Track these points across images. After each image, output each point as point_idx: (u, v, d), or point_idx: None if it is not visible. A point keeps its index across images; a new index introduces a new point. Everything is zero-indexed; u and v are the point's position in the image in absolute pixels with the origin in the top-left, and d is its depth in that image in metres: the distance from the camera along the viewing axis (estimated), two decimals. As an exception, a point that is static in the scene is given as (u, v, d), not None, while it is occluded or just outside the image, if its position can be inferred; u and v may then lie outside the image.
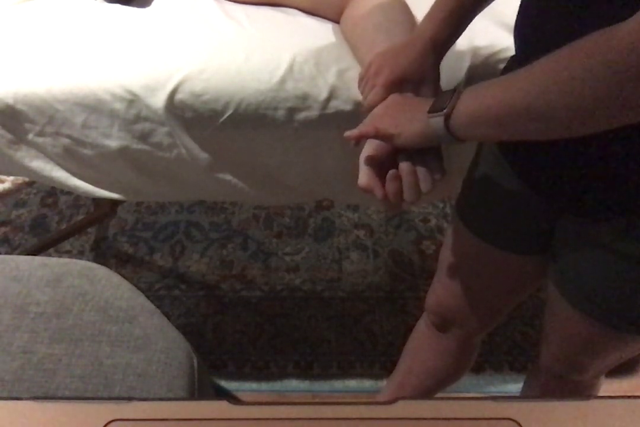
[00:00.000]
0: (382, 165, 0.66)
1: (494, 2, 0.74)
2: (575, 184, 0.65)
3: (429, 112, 0.61)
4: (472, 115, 0.58)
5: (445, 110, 0.59)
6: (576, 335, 0.78)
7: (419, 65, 0.73)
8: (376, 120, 0.68)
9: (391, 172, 0.63)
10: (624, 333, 0.73)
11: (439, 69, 0.75)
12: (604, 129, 0.50)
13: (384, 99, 0.71)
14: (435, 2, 0.73)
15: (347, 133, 0.67)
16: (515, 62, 0.68)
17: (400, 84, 0.72)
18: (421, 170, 0.64)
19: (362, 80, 0.77)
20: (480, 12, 0.74)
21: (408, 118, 0.64)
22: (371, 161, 0.67)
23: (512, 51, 0.84)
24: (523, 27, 0.65)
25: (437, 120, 0.60)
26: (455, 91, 0.60)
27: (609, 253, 0.66)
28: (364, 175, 0.66)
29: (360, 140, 0.69)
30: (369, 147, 0.68)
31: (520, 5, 0.65)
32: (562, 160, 0.65)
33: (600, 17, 0.50)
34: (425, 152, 0.65)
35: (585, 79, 0.46)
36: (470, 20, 0.74)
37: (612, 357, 0.81)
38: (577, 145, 0.59)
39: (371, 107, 0.72)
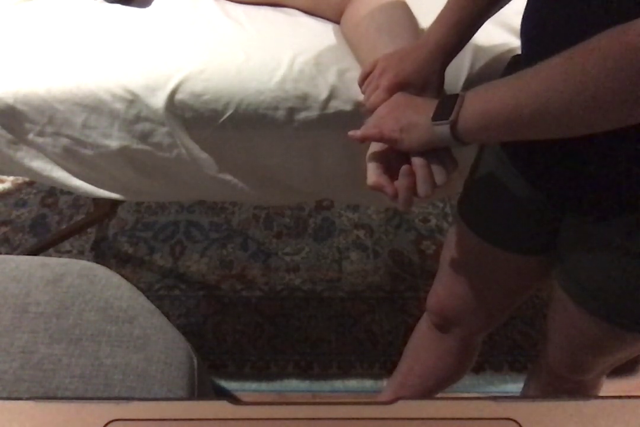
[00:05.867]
0: (389, 163, 0.66)
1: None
2: (580, 182, 0.65)
3: (434, 119, 0.60)
4: (480, 120, 0.57)
5: (450, 118, 0.58)
6: (581, 334, 0.78)
7: (423, 71, 0.72)
8: (379, 121, 0.67)
9: (404, 167, 0.63)
10: (629, 332, 0.73)
11: (444, 75, 0.75)
12: (618, 127, 0.49)
13: (385, 101, 0.71)
14: (443, 9, 0.73)
15: (351, 133, 0.67)
16: (520, 62, 0.68)
17: (403, 88, 0.72)
18: (434, 164, 0.63)
19: (364, 79, 0.77)
20: (487, 19, 0.74)
21: (412, 123, 0.64)
22: (377, 157, 0.67)
23: (512, 51, 0.85)
24: (529, 26, 0.64)
25: (443, 128, 0.59)
26: (459, 96, 0.59)
27: (614, 251, 0.66)
28: (373, 174, 0.66)
29: (364, 141, 0.69)
30: (375, 145, 0.68)
31: (527, 4, 0.65)
32: (566, 158, 0.64)
33: (607, 16, 0.49)
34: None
35: (601, 78, 0.46)
36: (478, 28, 0.74)
37: (616, 356, 0.81)
38: (581, 143, 0.59)
39: (372, 109, 0.72)
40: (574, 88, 0.48)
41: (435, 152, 0.64)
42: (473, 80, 0.85)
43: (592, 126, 0.51)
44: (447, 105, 0.60)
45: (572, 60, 0.48)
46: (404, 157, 0.65)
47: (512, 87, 0.54)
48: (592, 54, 0.47)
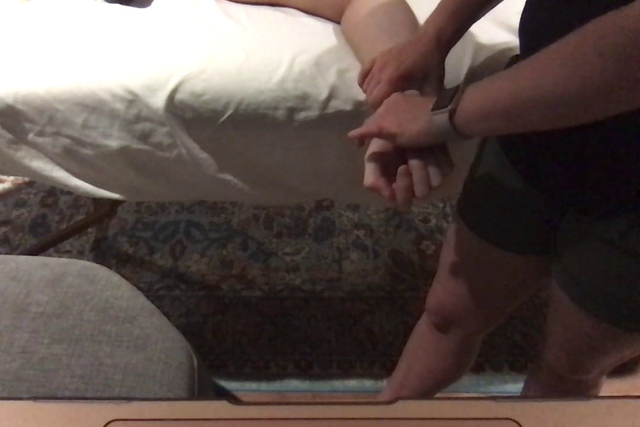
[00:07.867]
0: (387, 164, 0.66)
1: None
2: (579, 181, 0.65)
3: (433, 109, 0.60)
4: (479, 109, 0.57)
5: (449, 106, 0.58)
6: (580, 334, 0.78)
7: (423, 62, 0.73)
8: (379, 119, 0.67)
9: (401, 168, 0.63)
10: (628, 332, 0.73)
11: (443, 66, 0.75)
12: (615, 114, 0.49)
13: (388, 94, 0.71)
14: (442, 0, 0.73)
15: (351, 133, 0.67)
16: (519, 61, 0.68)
17: (404, 81, 0.72)
18: (431, 165, 0.63)
19: (364, 78, 0.77)
20: (486, 12, 0.74)
21: (411, 117, 0.64)
22: (376, 157, 0.67)
23: (512, 51, 0.85)
24: (528, 26, 0.64)
25: (442, 117, 0.59)
26: (459, 88, 0.59)
27: (613, 250, 0.66)
28: (370, 175, 0.66)
29: (364, 141, 0.69)
30: (374, 147, 0.68)
31: (526, 4, 0.65)
32: (565, 157, 0.64)
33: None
34: (433, 147, 0.64)
35: (596, 62, 0.46)
36: (476, 19, 0.74)
37: (615, 356, 0.81)
38: (581, 142, 0.59)
39: (376, 103, 0.72)
40: (570, 72, 0.48)
41: (432, 154, 0.64)
42: (473, 80, 0.85)
43: (590, 112, 0.51)
44: (446, 96, 0.60)
45: (568, 44, 0.49)
46: (402, 158, 0.65)
47: (510, 75, 0.55)
48: (588, 37, 0.47)
